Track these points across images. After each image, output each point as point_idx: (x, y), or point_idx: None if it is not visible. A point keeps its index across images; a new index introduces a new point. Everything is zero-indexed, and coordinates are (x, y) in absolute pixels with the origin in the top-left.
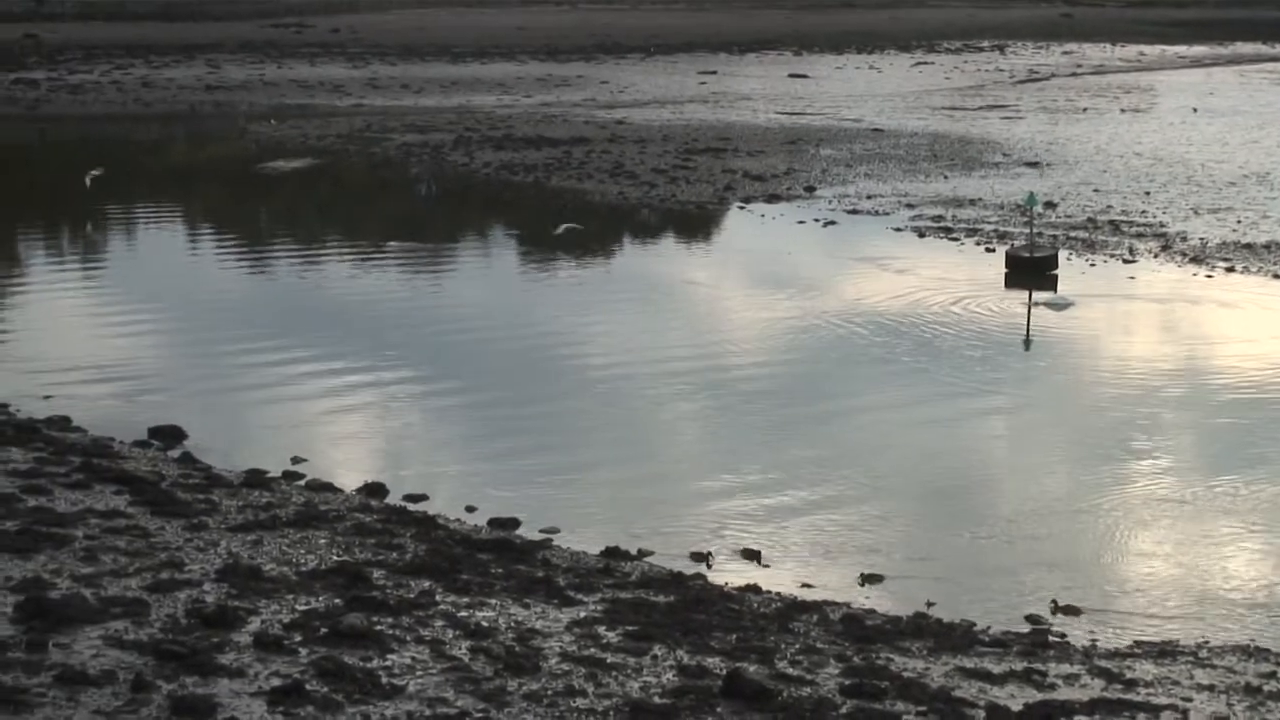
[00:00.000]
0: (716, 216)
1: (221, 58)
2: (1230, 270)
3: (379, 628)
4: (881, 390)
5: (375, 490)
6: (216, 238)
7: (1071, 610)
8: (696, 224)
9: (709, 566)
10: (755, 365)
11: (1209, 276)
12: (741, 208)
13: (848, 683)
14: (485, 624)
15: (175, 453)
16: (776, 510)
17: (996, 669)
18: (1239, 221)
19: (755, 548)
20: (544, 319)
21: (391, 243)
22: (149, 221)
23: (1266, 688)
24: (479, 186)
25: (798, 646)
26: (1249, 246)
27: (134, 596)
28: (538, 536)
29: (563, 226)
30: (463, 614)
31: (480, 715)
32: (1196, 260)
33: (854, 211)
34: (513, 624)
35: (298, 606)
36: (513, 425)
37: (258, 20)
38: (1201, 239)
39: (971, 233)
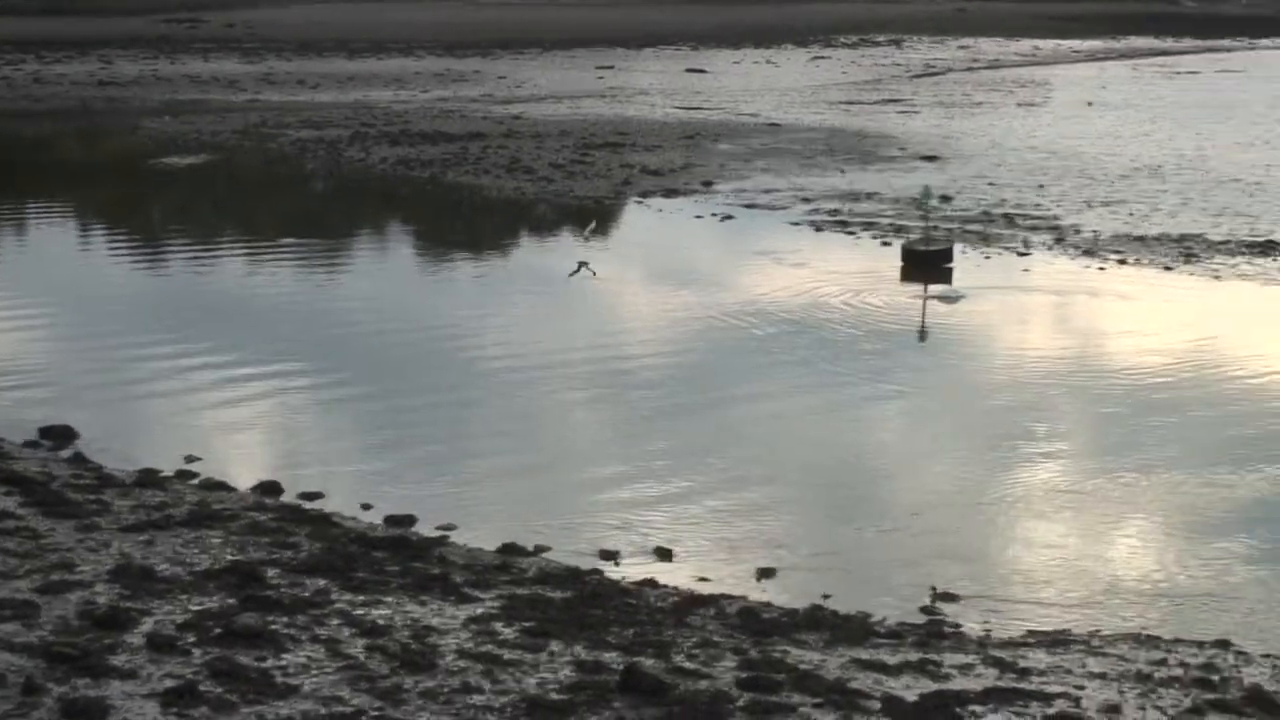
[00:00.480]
0: (614, 211)
1: (114, 53)
2: (1122, 263)
3: (273, 627)
4: (778, 384)
5: (270, 489)
6: (109, 234)
7: (949, 597)
8: (594, 218)
9: (617, 564)
10: (652, 360)
11: (1102, 269)
12: (639, 202)
13: (744, 675)
14: (381, 622)
15: (66, 453)
16: (673, 505)
17: (892, 660)
18: (1131, 214)
19: (653, 543)
20: (441, 314)
21: (286, 239)
22: (39, 218)
23: (1157, 675)
24: (375, 182)
25: (694, 640)
26: (1141, 239)
27: (24, 599)
28: (434, 533)
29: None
30: (358, 612)
31: (376, 713)
32: (1089, 253)
33: (751, 206)
34: (409, 621)
35: (191, 606)
36: (410, 422)
37: (150, 15)
38: (1094, 232)
39: (868, 226)
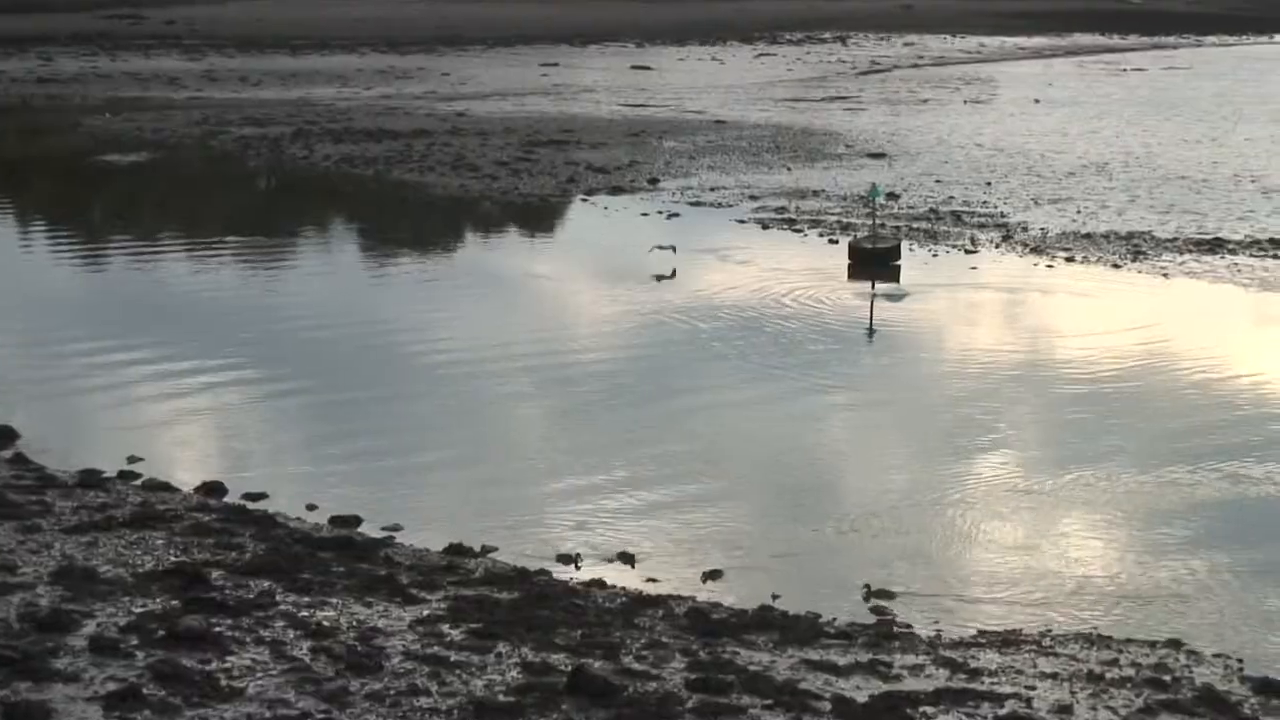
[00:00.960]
0: (559, 209)
1: (53, 50)
2: (1070, 260)
3: (218, 629)
4: (726, 384)
5: (213, 489)
6: (50, 233)
7: (886, 594)
8: (540, 216)
9: (566, 565)
10: (600, 360)
11: (1050, 266)
12: (584, 200)
13: (693, 677)
14: (326, 624)
15: (7, 454)
16: (620, 505)
17: (842, 661)
18: (1078, 211)
19: (602, 543)
20: (387, 314)
21: (230, 237)
22: None
23: (1108, 675)
24: (318, 180)
25: (643, 641)
26: (1088, 236)
27: None
28: (380, 534)
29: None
30: (303, 614)
31: (322, 716)
32: (1037, 250)
33: (697, 203)
34: (354, 623)
35: (134, 609)
36: (355, 422)
37: (90, 11)
38: (1042, 229)
39: (815, 224)
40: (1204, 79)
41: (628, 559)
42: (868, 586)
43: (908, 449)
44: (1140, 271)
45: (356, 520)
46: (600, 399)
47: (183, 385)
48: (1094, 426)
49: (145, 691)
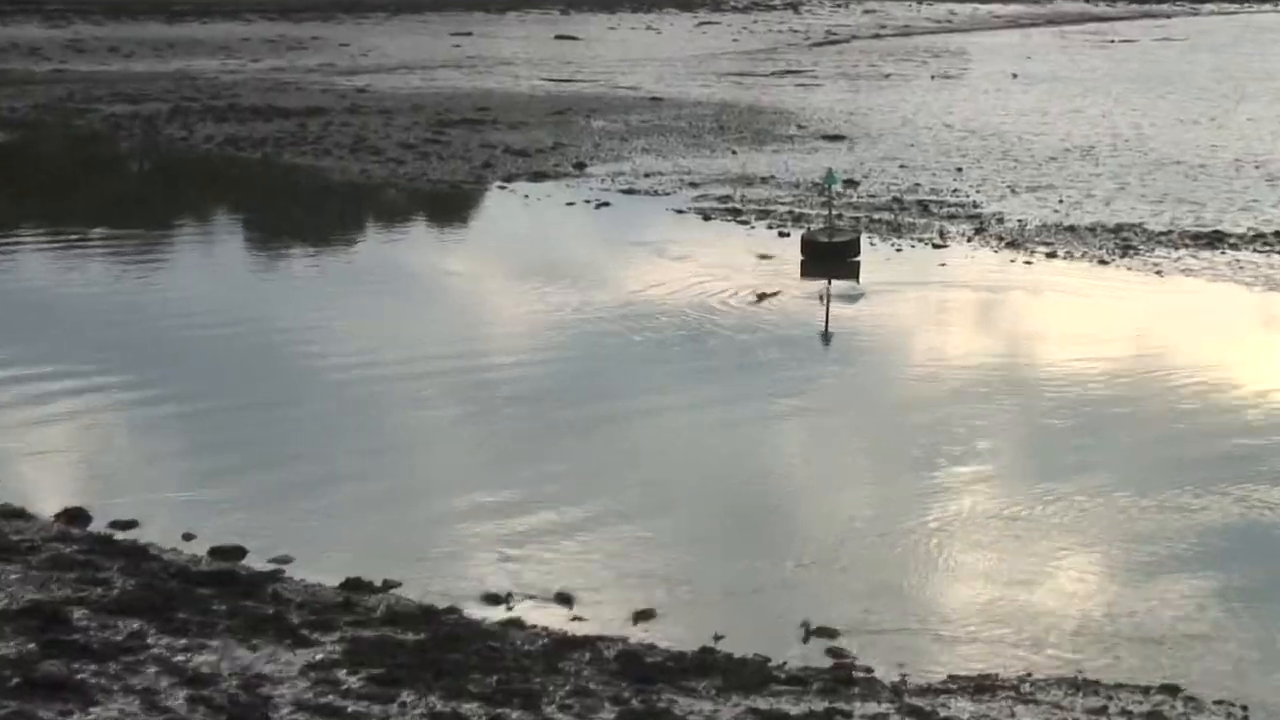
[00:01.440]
0: (474, 197)
1: None
2: (1051, 255)
3: (80, 676)
4: (664, 395)
5: (76, 516)
6: None
7: (827, 632)
8: (451, 206)
9: (510, 608)
10: (521, 366)
11: (1028, 263)
12: (502, 187)
13: None
14: (206, 670)
15: None
16: (543, 532)
17: (794, 710)
18: (1060, 201)
19: (521, 577)
20: (278, 315)
21: (98, 229)
22: None
23: None
24: (199, 164)
25: (568, 689)
26: (1072, 229)
27: None
28: (267, 567)
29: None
30: (179, 658)
31: None
32: (1014, 245)
33: (630, 191)
34: (237, 669)
35: None
36: (240, 438)
37: None
38: (1020, 221)
39: (763, 215)
40: (1201, 51)
41: (551, 595)
42: (806, 625)
43: (868, 470)
44: (1130, 269)
45: (240, 551)
46: (518, 411)
47: (41, 394)
48: (1079, 443)
49: None
